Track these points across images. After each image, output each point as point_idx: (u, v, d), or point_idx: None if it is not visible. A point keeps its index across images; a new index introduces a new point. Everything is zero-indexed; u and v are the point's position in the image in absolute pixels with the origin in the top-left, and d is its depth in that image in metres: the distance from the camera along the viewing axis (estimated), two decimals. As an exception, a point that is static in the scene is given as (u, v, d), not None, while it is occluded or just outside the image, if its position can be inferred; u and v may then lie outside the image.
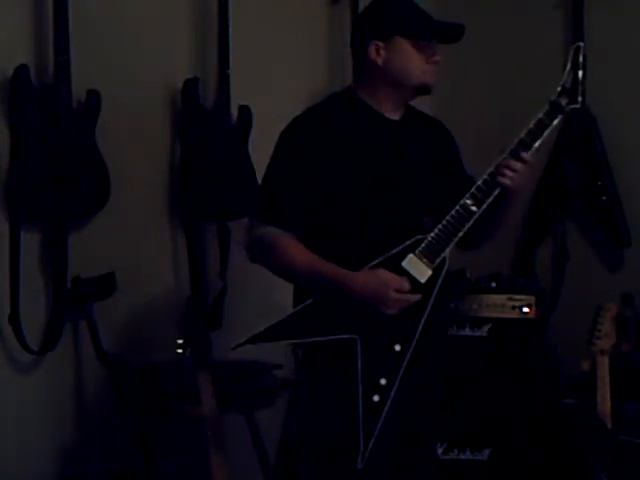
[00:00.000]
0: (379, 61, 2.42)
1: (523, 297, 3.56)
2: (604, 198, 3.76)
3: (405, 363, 2.33)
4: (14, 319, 2.91)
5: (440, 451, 3.41)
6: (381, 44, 2.41)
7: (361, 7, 3.74)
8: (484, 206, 2.33)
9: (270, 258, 2.41)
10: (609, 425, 3.10)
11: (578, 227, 3.90)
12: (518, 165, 2.33)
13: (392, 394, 2.32)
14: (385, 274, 2.31)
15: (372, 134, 2.45)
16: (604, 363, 3.15)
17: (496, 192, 2.33)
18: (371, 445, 2.31)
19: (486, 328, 3.55)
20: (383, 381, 2.32)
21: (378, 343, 2.33)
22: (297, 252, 2.37)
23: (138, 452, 3.10)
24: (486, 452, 3.49)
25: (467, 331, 3.55)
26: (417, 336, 2.34)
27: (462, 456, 3.49)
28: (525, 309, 3.54)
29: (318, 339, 2.35)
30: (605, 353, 3.16)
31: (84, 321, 3.08)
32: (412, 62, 2.41)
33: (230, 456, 2.80)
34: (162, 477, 3.13)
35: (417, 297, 2.32)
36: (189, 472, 3.22)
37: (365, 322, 2.33)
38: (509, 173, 2.32)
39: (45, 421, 3.05)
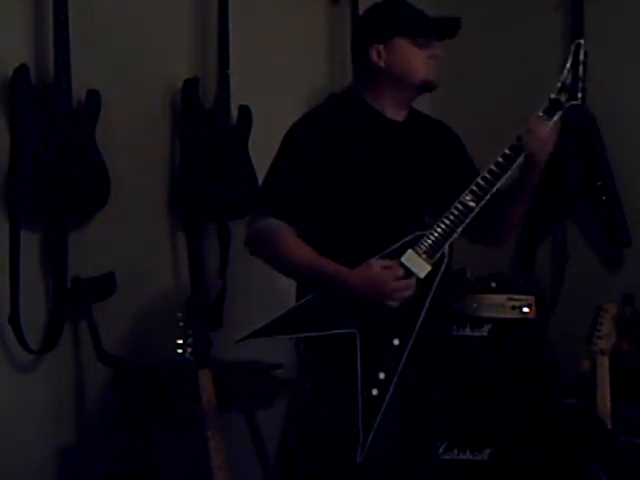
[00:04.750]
0: (381, 63, 2.46)
1: (523, 297, 3.56)
2: (604, 198, 3.76)
3: (404, 357, 2.35)
4: (14, 319, 2.91)
5: (440, 451, 3.41)
6: (381, 47, 2.45)
7: (361, 7, 3.75)
8: (483, 202, 2.35)
9: (270, 251, 2.43)
10: (609, 425, 3.10)
11: (578, 227, 3.90)
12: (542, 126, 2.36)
13: (391, 388, 2.34)
14: (377, 262, 2.32)
15: (374, 134, 2.47)
16: (604, 363, 3.15)
17: (494, 189, 2.35)
18: (370, 439, 2.32)
19: (486, 328, 3.55)
20: (382, 375, 2.34)
21: (377, 337, 2.35)
22: (297, 247, 2.39)
23: (138, 452, 3.10)
24: (486, 452, 3.49)
25: (467, 331, 3.55)
26: (416, 331, 2.36)
27: (462, 456, 3.49)
28: (525, 309, 3.54)
29: (318, 334, 2.37)
30: (605, 353, 3.16)
31: (84, 321, 3.08)
32: (413, 59, 2.44)
33: (230, 456, 2.80)
34: (162, 477, 3.13)
35: (412, 282, 2.33)
36: (189, 472, 3.22)
37: (364, 317, 2.35)
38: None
39: (45, 421, 3.05)
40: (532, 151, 2.37)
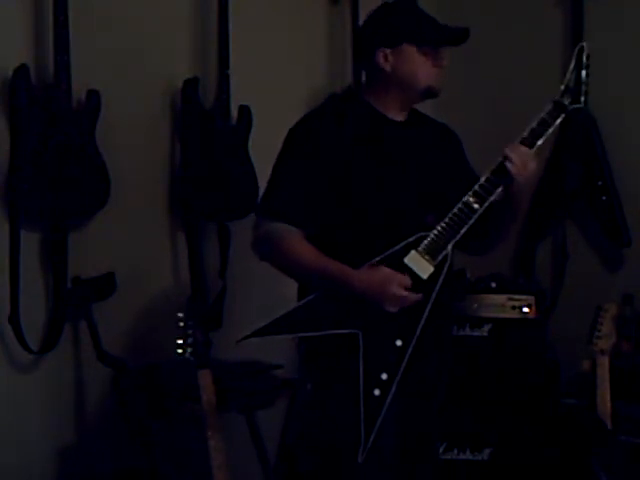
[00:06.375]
0: (387, 67, 2.46)
1: (523, 297, 3.56)
2: (604, 198, 3.76)
3: (406, 358, 2.35)
4: (14, 319, 2.91)
5: (440, 451, 3.40)
6: (388, 51, 2.46)
7: (361, 7, 3.75)
8: (486, 204, 2.36)
9: (277, 255, 2.43)
10: (609, 425, 3.10)
11: (578, 227, 3.90)
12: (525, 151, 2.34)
13: (393, 389, 2.34)
14: (386, 271, 2.33)
15: (376, 135, 2.48)
16: (604, 363, 3.15)
17: (499, 190, 2.36)
18: (372, 439, 2.33)
19: (486, 328, 3.55)
20: (384, 376, 2.35)
21: (380, 338, 2.36)
22: (304, 250, 2.40)
23: (138, 452, 3.10)
24: (486, 452, 3.49)
25: (467, 331, 3.55)
26: (418, 332, 2.36)
27: (462, 456, 3.49)
28: (525, 309, 3.54)
29: (320, 333, 2.37)
30: (605, 353, 3.16)
31: (84, 321, 3.08)
32: (419, 67, 2.45)
33: (230, 456, 2.80)
34: (162, 477, 3.13)
35: (418, 296, 2.34)
36: (189, 472, 3.22)
37: (367, 317, 2.36)
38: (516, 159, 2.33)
39: (45, 421, 3.05)
40: (514, 177, 2.35)
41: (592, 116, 3.73)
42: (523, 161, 2.34)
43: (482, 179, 2.36)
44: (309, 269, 2.40)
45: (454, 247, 2.43)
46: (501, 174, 2.36)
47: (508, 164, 2.34)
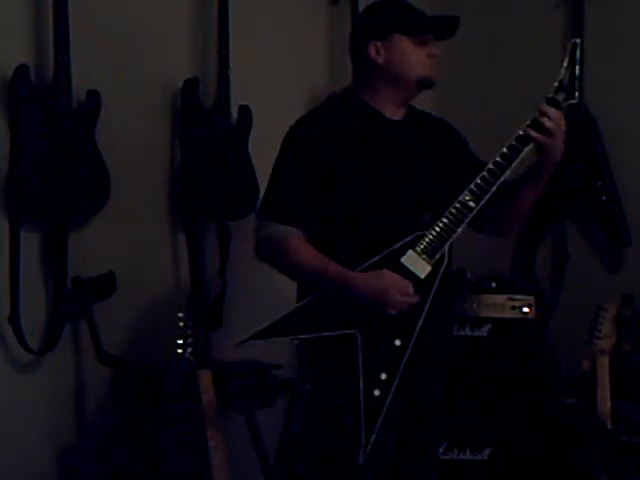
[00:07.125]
0: (379, 60, 2.46)
1: (523, 297, 3.56)
2: (604, 198, 3.75)
3: (405, 358, 2.35)
4: (14, 319, 2.91)
5: (440, 451, 3.40)
6: (380, 44, 2.45)
7: (361, 7, 3.75)
8: (482, 202, 2.35)
9: (279, 257, 2.44)
10: (609, 425, 3.10)
11: (578, 227, 3.90)
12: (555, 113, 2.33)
13: (393, 388, 2.34)
14: (389, 277, 2.34)
15: (373, 134, 2.48)
16: (604, 363, 3.15)
17: (494, 189, 2.35)
18: (372, 440, 2.33)
19: (486, 328, 3.55)
20: (384, 376, 2.35)
21: (378, 338, 2.36)
22: (305, 252, 2.40)
23: (138, 452, 3.10)
24: (486, 452, 3.49)
25: (467, 331, 3.55)
26: (417, 331, 2.36)
27: (462, 456, 3.49)
28: (525, 309, 3.54)
29: (319, 335, 2.37)
30: (605, 353, 3.16)
31: (84, 321, 3.08)
32: (412, 57, 2.45)
33: (230, 456, 2.80)
34: (162, 477, 3.13)
35: (417, 298, 2.34)
36: (189, 472, 3.22)
37: (365, 318, 2.36)
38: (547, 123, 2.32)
39: (45, 421, 3.06)
40: (550, 132, 2.32)
41: (592, 116, 3.73)
42: (557, 117, 2.32)
43: (477, 178, 2.34)
44: (310, 271, 2.40)
45: (473, 229, 2.46)
46: (497, 171, 2.35)
47: (544, 120, 2.31)
